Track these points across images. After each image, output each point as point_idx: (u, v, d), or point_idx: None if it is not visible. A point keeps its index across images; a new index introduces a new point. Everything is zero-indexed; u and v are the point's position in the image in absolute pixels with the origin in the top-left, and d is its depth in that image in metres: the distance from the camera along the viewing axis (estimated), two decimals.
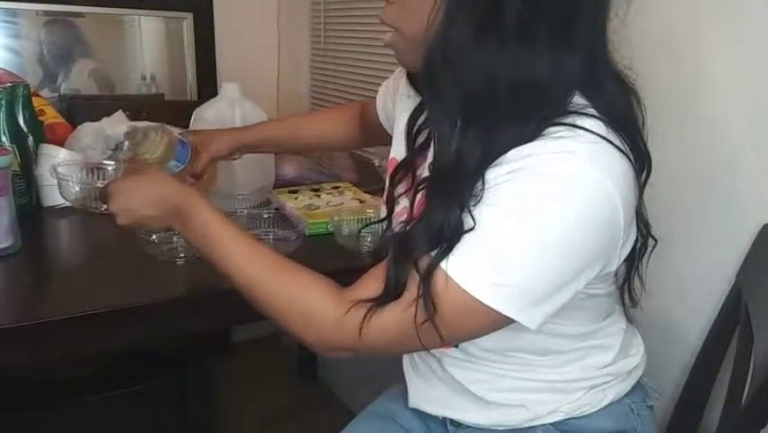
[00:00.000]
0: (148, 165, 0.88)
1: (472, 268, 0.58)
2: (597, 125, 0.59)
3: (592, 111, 0.61)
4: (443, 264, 0.58)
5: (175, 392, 1.51)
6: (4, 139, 1.02)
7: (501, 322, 0.59)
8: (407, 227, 0.65)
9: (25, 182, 1.05)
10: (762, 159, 0.87)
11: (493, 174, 0.59)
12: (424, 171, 0.73)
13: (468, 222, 0.58)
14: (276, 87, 2.20)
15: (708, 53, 0.91)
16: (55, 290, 0.86)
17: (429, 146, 0.72)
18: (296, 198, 1.17)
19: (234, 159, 1.06)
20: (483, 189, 0.59)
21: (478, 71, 0.58)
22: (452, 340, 0.64)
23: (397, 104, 0.88)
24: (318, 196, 1.20)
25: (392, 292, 0.61)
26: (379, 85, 1.80)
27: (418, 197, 0.68)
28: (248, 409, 1.88)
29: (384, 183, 1.31)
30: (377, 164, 1.40)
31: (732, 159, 0.90)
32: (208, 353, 1.63)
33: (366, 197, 1.21)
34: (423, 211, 0.63)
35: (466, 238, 0.58)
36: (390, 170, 0.81)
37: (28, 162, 1.06)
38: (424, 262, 0.59)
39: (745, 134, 0.88)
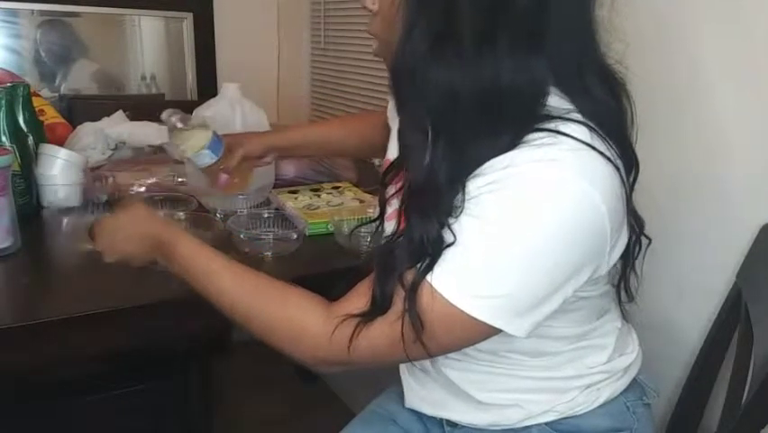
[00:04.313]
0: (135, 208, 0.85)
1: (457, 281, 0.57)
2: (580, 131, 0.58)
3: (576, 116, 0.59)
4: (428, 278, 0.58)
5: (175, 392, 1.50)
6: (4, 139, 1.02)
7: (489, 332, 0.59)
8: (393, 239, 0.65)
9: (25, 182, 1.05)
10: (761, 158, 0.86)
11: (474, 185, 0.58)
12: None
13: (450, 234, 0.58)
14: (276, 87, 2.20)
15: (708, 51, 0.91)
16: (55, 290, 0.86)
17: None
18: (296, 198, 1.17)
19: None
20: (464, 201, 0.58)
21: (437, 84, 0.57)
22: (440, 352, 0.64)
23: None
24: (318, 196, 1.20)
25: (379, 307, 0.61)
26: (379, 85, 1.80)
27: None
28: (248, 409, 1.87)
29: None
30: (377, 164, 1.40)
31: (731, 158, 0.90)
32: (208, 353, 1.63)
33: (366, 197, 1.21)
34: (404, 226, 0.63)
35: (450, 251, 0.58)
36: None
37: (28, 162, 1.06)
38: (409, 277, 0.59)
39: (744, 134, 0.88)
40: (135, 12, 1.92)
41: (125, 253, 0.77)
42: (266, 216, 1.05)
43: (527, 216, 0.56)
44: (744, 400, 0.76)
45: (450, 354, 0.72)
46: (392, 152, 0.81)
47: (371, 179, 1.33)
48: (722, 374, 0.90)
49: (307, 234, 1.02)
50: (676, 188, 0.96)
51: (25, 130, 1.08)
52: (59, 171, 1.11)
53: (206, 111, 1.16)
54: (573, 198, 0.56)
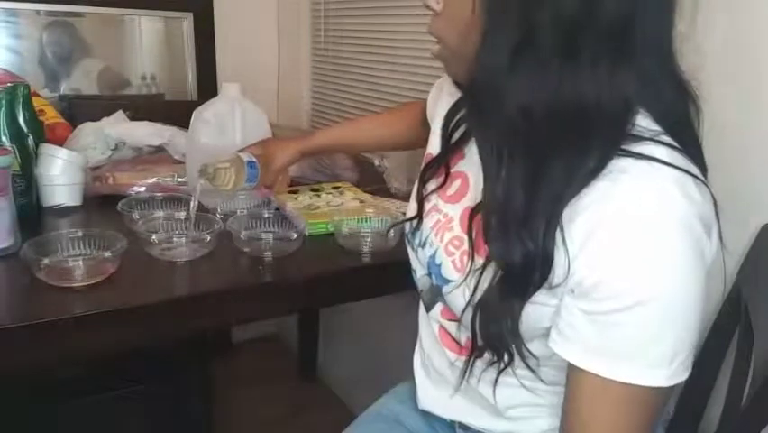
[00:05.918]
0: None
1: (631, 360, 0.56)
2: (674, 156, 0.55)
3: (667, 138, 0.57)
4: (601, 372, 0.56)
5: (175, 392, 1.51)
6: (4, 139, 1.02)
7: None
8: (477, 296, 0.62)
9: (25, 182, 1.05)
10: (761, 159, 0.86)
11: (580, 224, 0.55)
12: (457, 167, 0.73)
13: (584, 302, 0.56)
14: (276, 87, 2.20)
15: (706, 52, 0.91)
16: (55, 290, 0.86)
17: (465, 143, 0.71)
18: (296, 198, 1.17)
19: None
20: (569, 245, 0.55)
21: (513, 99, 0.55)
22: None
23: (438, 101, 0.86)
24: (318, 196, 1.20)
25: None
26: (379, 85, 1.80)
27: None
28: (248, 409, 1.88)
29: (384, 183, 1.32)
30: (377, 164, 1.40)
31: (731, 159, 0.90)
32: (208, 353, 1.63)
33: (366, 196, 1.21)
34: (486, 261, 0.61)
35: (609, 333, 0.56)
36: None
37: (28, 162, 1.06)
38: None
39: (745, 134, 0.88)
40: (135, 12, 1.91)
41: None
42: (266, 216, 1.05)
43: (659, 264, 0.54)
44: (744, 400, 0.76)
45: (511, 381, 0.69)
46: (433, 147, 0.79)
47: (371, 180, 1.33)
48: (722, 374, 0.90)
49: (307, 234, 1.02)
50: None
51: (25, 130, 1.08)
52: (60, 171, 1.11)
53: (206, 111, 1.16)
54: (694, 234, 0.54)
